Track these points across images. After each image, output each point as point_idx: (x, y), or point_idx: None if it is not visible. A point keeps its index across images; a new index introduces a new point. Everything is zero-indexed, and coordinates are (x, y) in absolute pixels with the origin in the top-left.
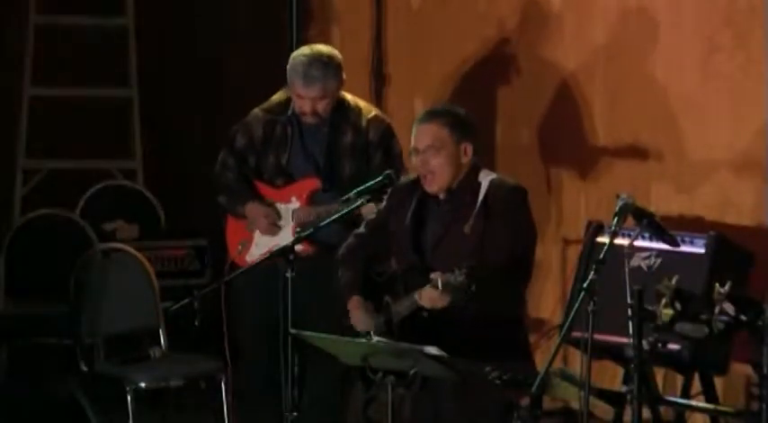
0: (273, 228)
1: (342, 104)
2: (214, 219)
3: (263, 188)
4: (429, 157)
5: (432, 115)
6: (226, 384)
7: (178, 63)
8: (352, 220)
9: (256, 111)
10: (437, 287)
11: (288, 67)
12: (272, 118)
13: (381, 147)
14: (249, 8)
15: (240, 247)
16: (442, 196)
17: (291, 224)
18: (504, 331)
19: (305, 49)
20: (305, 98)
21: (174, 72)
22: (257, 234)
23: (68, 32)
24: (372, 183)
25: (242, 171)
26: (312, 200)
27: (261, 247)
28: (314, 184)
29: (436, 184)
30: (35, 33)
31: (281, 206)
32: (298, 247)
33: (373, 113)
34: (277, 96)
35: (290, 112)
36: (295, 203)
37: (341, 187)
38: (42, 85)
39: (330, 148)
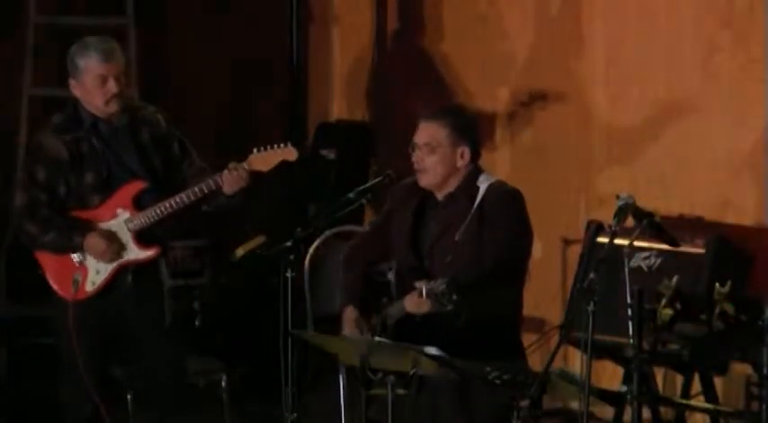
0: (118, 254)
1: (125, 105)
2: (214, 219)
3: (81, 215)
4: (423, 155)
5: (435, 114)
6: (226, 384)
7: (178, 63)
8: (190, 212)
9: (47, 137)
10: (421, 295)
11: (74, 60)
12: (72, 137)
13: (174, 136)
14: (249, 8)
15: (77, 281)
16: (440, 199)
17: (131, 236)
18: (495, 332)
19: (80, 42)
20: (109, 76)
21: (173, 72)
22: (90, 261)
23: (68, 32)
24: (372, 182)
25: (53, 205)
26: (138, 203)
27: (102, 272)
28: (136, 187)
29: (426, 180)
30: (35, 33)
31: (110, 223)
32: (148, 254)
33: (152, 107)
34: (60, 117)
35: (87, 126)
36: (123, 214)
37: (159, 183)
38: (42, 85)
39: (138, 148)
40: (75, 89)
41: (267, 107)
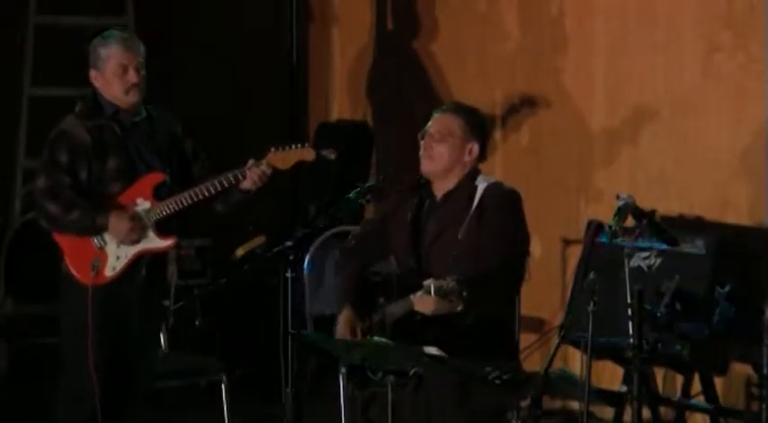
0: (140, 237)
1: (144, 101)
2: (215, 219)
3: (102, 202)
4: (433, 143)
5: (452, 107)
6: (226, 384)
7: (178, 63)
8: (204, 210)
9: (70, 123)
10: (430, 293)
11: (96, 49)
12: (95, 123)
13: (186, 136)
14: (249, 8)
15: (96, 265)
16: (439, 198)
17: (151, 225)
18: (491, 332)
19: (102, 33)
20: (130, 66)
21: (174, 72)
22: (111, 246)
23: (68, 32)
24: (372, 182)
25: (75, 189)
26: (156, 195)
27: (122, 258)
28: (156, 178)
29: (430, 167)
30: (35, 33)
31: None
32: (167, 243)
33: (159, 108)
34: (81, 105)
35: (108, 114)
36: (144, 204)
37: (174, 179)
38: (42, 85)
39: (156, 143)
40: (97, 80)
41: (267, 107)
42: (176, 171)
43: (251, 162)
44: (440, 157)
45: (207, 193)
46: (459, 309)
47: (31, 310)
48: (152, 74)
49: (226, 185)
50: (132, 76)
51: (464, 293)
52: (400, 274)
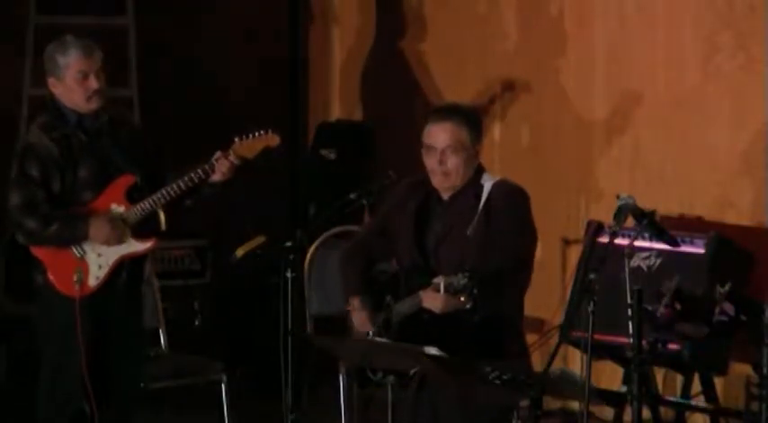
0: (121, 239)
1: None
2: (214, 219)
3: (78, 211)
4: (446, 157)
5: (450, 114)
6: (226, 384)
7: (178, 63)
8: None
9: (35, 136)
10: (439, 290)
11: (54, 57)
12: (60, 134)
13: (147, 134)
14: (249, 8)
15: (78, 277)
16: (445, 197)
17: (128, 229)
18: (501, 331)
19: (58, 40)
20: (90, 73)
21: (173, 72)
22: (91, 255)
23: (68, 32)
24: (372, 182)
25: (49, 202)
26: (129, 198)
27: (104, 266)
28: (127, 181)
29: (449, 182)
30: (35, 33)
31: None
32: (147, 245)
33: (116, 109)
34: (44, 116)
35: (72, 122)
36: (118, 208)
37: (143, 179)
38: (42, 85)
39: (121, 145)
40: (56, 88)
41: (267, 107)
42: (145, 170)
43: (218, 154)
44: (455, 170)
45: (179, 191)
46: (467, 306)
47: (31, 310)
48: (152, 73)
49: (197, 181)
50: (93, 83)
51: (474, 290)
52: (407, 273)
